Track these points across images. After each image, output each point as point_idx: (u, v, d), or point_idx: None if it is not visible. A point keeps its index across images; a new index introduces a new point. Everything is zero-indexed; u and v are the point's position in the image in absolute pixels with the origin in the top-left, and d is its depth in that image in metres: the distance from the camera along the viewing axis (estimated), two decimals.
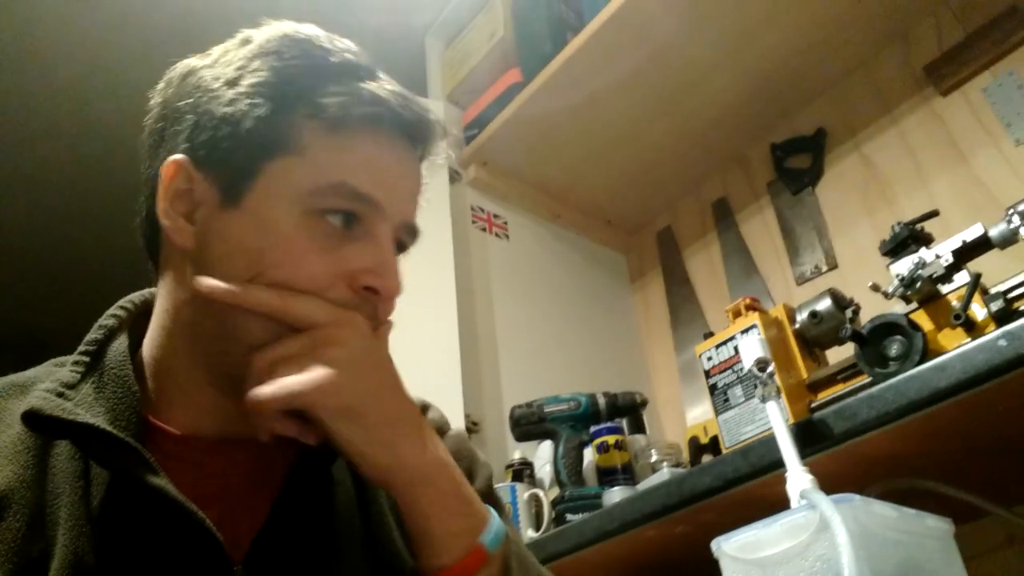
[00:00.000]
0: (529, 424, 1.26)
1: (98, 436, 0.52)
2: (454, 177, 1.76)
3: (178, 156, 0.58)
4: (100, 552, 0.51)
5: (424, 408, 0.76)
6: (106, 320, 0.62)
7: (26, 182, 2.28)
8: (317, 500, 0.60)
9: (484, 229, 1.77)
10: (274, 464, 0.60)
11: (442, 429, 0.75)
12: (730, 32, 1.55)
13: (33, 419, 0.52)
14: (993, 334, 0.69)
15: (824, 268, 1.61)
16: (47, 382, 0.55)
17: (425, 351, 1.42)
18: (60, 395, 0.54)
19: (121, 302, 0.65)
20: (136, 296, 0.66)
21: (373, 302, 0.58)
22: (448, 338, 1.45)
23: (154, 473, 0.52)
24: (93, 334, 0.61)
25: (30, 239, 2.48)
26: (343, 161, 0.57)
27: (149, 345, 0.62)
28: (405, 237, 0.64)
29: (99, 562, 0.50)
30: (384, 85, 0.60)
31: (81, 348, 0.60)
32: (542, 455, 1.36)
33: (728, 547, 0.62)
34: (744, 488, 0.85)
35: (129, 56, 1.95)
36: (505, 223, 1.84)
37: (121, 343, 0.60)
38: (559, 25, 1.74)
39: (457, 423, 1.34)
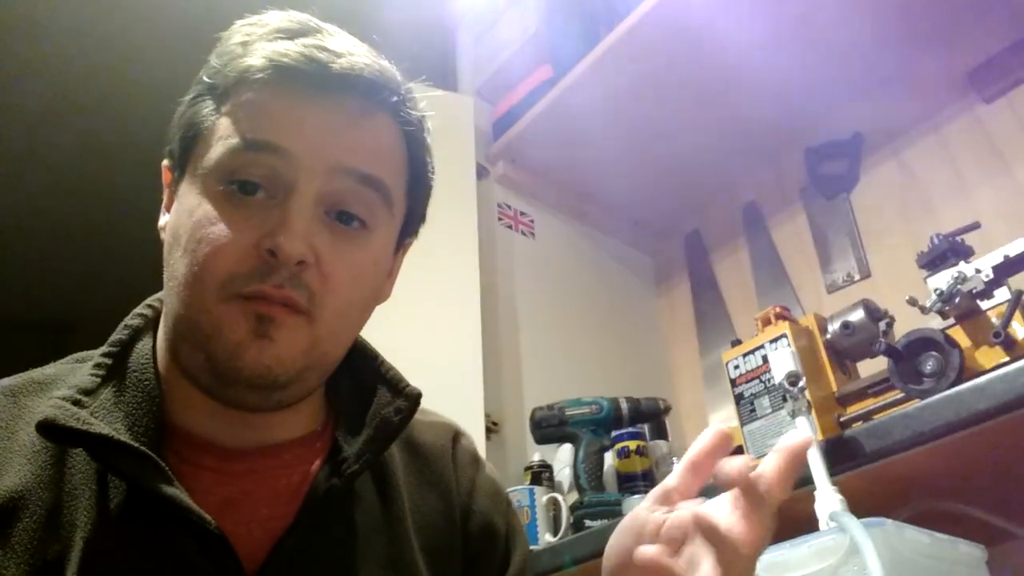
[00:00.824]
0: (550, 426, 1.25)
1: (112, 446, 0.51)
2: (481, 173, 1.75)
3: (165, 160, 0.62)
4: (116, 556, 0.50)
5: (457, 435, 0.74)
6: (131, 320, 0.62)
7: (55, 166, 2.30)
8: (339, 514, 0.59)
9: (510, 226, 1.76)
10: (293, 471, 0.59)
11: (478, 459, 0.74)
12: (767, 31, 1.52)
13: (48, 429, 0.51)
14: None
15: (856, 277, 1.57)
16: (64, 388, 0.55)
17: (447, 348, 1.41)
18: (76, 403, 0.53)
19: (148, 300, 0.64)
20: (163, 294, 0.65)
21: (287, 270, 0.53)
22: (470, 336, 1.44)
23: (168, 482, 0.51)
24: (118, 334, 0.60)
25: (59, 224, 2.50)
26: (238, 122, 0.55)
27: (160, 347, 0.61)
28: (352, 186, 0.57)
29: (115, 566, 0.50)
30: (300, 42, 0.57)
31: (104, 349, 0.59)
32: (562, 458, 1.35)
33: None
34: None
35: (163, 44, 1.96)
36: (531, 221, 1.82)
37: (145, 344, 0.60)
38: (592, 21, 1.72)
39: (477, 422, 1.33)
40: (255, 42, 0.58)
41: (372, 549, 0.59)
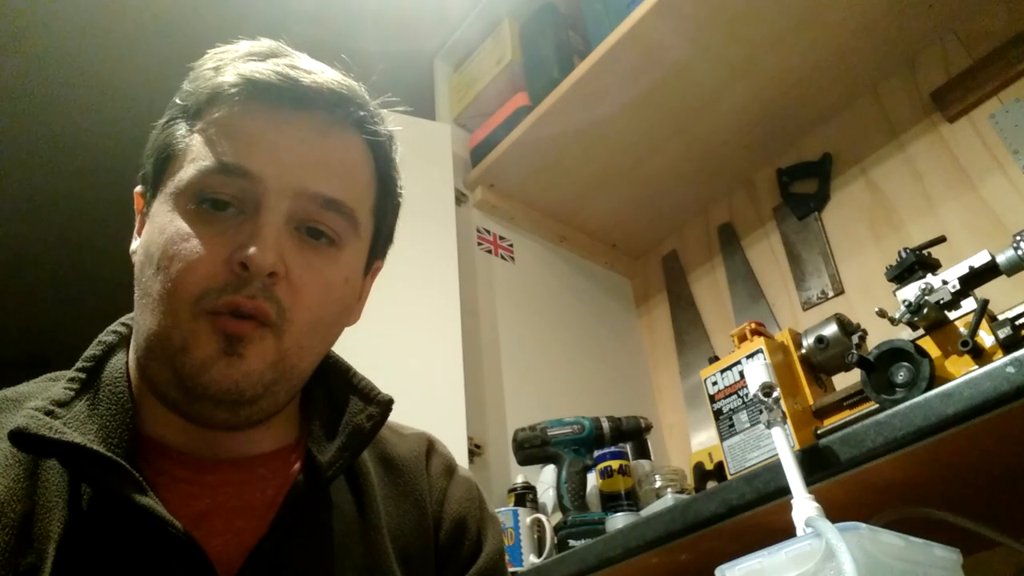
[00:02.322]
0: (532, 447, 1.25)
1: (85, 455, 0.51)
2: (460, 199, 1.77)
3: (138, 187, 0.63)
4: (90, 567, 0.50)
5: (431, 445, 0.75)
6: (105, 336, 0.62)
7: (31, 200, 2.29)
8: (314, 523, 0.59)
9: (490, 251, 1.77)
10: (267, 484, 0.59)
11: (451, 468, 0.74)
12: (736, 57, 1.56)
13: (20, 438, 0.51)
14: (1001, 361, 0.68)
15: (830, 293, 1.60)
16: (38, 400, 0.55)
17: (429, 373, 1.42)
18: (49, 413, 0.53)
19: (123, 319, 0.65)
20: (134, 312, 0.66)
21: (259, 282, 0.54)
22: (452, 360, 1.44)
23: (142, 492, 0.51)
24: (92, 350, 0.61)
25: (33, 258, 2.48)
26: (210, 143, 0.57)
27: (132, 364, 0.61)
28: (319, 209, 0.59)
29: None
30: (272, 62, 0.59)
31: (79, 364, 0.60)
32: (545, 479, 1.35)
33: (732, 575, 0.61)
34: (749, 515, 0.84)
35: (139, 76, 1.97)
36: (511, 245, 1.84)
37: (119, 359, 0.60)
38: (566, 50, 1.76)
39: (460, 446, 1.33)
40: (227, 64, 0.60)
41: (349, 557, 0.59)
